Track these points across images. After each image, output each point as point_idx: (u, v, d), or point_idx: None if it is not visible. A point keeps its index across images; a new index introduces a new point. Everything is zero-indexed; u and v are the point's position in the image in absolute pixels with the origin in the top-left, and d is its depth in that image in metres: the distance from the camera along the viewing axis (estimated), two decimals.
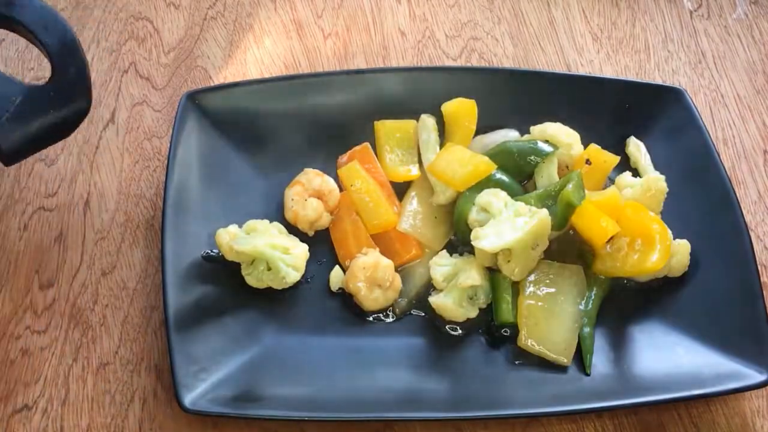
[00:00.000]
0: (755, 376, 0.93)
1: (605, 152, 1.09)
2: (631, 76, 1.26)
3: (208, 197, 1.05)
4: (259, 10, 1.29)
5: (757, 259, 1.02)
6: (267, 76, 1.22)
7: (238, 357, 0.96)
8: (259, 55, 1.25)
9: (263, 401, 0.92)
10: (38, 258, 1.05)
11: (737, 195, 1.06)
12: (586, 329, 0.99)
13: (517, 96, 1.14)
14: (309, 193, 1.06)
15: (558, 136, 1.08)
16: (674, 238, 1.02)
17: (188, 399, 0.90)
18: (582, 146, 1.09)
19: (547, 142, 1.07)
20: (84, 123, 1.14)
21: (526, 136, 1.10)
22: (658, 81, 1.25)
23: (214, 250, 1.01)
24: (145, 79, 1.21)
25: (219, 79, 1.21)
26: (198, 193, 1.05)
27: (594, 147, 1.09)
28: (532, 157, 1.06)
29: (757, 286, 0.99)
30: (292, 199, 1.06)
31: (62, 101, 0.92)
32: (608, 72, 1.26)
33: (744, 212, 1.05)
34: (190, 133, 1.07)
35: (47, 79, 0.92)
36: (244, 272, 1.00)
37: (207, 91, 1.11)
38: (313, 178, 1.07)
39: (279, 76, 1.18)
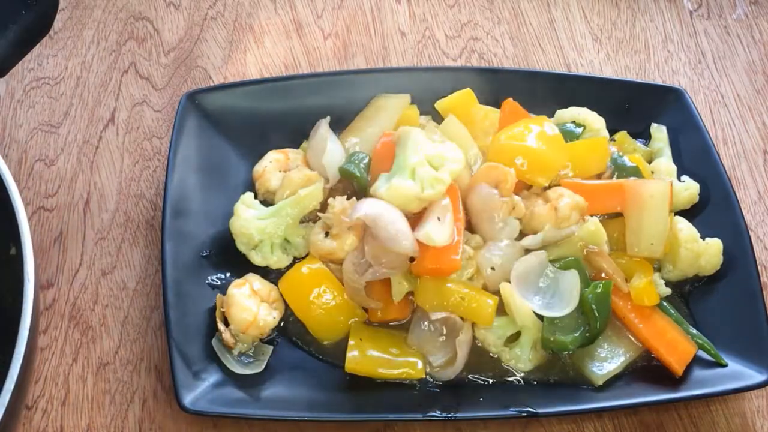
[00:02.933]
0: (755, 376, 0.93)
1: (636, 143, 1.11)
2: (631, 76, 1.26)
3: (208, 197, 1.05)
4: (259, 10, 1.29)
5: (757, 259, 1.02)
6: (267, 76, 1.22)
7: None
8: (259, 55, 1.25)
9: (263, 401, 0.92)
10: (38, 258, 1.04)
11: (737, 195, 1.06)
12: (693, 330, 0.98)
13: (517, 96, 1.13)
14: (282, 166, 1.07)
15: (589, 120, 1.09)
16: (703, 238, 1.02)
17: (188, 399, 0.90)
18: (607, 131, 1.10)
19: (574, 122, 1.08)
20: (84, 123, 1.15)
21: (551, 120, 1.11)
22: (658, 81, 1.25)
23: (215, 250, 1.01)
24: (145, 79, 1.21)
25: (219, 79, 1.21)
26: (198, 193, 1.05)
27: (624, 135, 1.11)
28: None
29: (757, 286, 0.99)
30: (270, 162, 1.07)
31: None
32: (608, 72, 1.26)
33: (744, 212, 1.05)
34: (190, 133, 1.07)
35: None
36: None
37: (207, 91, 1.11)
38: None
39: (279, 76, 1.19)
